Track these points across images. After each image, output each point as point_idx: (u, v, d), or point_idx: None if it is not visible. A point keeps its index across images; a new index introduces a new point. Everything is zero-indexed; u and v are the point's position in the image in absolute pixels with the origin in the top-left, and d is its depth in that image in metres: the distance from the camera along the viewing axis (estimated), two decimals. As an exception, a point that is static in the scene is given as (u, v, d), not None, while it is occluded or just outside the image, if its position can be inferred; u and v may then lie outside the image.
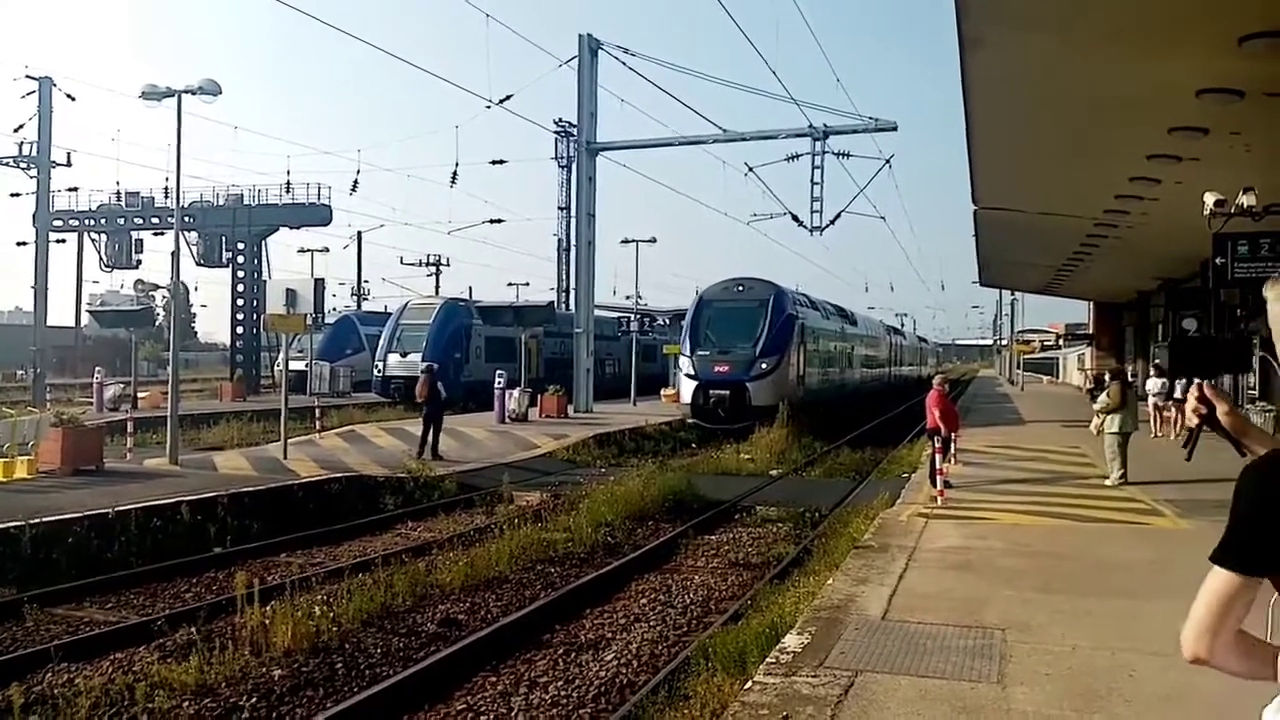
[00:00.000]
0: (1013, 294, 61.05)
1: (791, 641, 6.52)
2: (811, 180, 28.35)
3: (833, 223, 29.20)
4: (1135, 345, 37.67)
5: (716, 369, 26.36)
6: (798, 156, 28.54)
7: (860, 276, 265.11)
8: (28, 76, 33.05)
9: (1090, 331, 46.29)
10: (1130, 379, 18.15)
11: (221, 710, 6.80)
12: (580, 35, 27.93)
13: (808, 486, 17.81)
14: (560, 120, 50.16)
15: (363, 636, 8.47)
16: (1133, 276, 30.19)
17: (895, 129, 27.01)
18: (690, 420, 26.50)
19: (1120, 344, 40.66)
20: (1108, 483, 13.44)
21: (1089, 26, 9.03)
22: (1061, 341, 60.43)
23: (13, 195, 38.44)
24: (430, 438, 18.84)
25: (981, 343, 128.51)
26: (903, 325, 73.77)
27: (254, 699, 7.00)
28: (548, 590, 10.33)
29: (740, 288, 28.37)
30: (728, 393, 25.78)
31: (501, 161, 41.11)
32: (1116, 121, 11.87)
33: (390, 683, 7.30)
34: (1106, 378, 15.54)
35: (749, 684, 5.77)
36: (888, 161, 29.03)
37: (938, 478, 12.55)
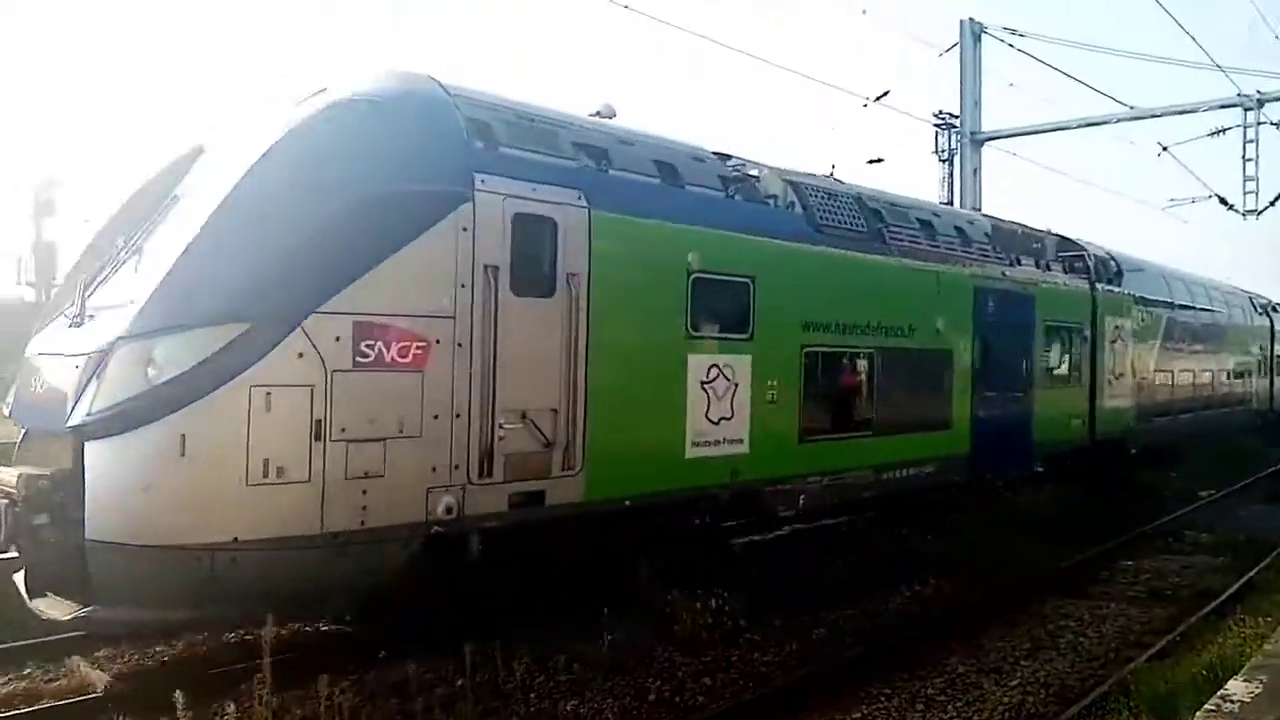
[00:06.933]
0: None
1: (1237, 689, 5.69)
2: (1244, 156, 24.77)
3: (1272, 204, 25.25)
4: None
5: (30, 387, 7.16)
6: (1224, 130, 25.08)
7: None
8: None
9: None
10: None
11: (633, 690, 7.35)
12: (962, 21, 26.99)
13: (1249, 511, 15.56)
14: (940, 112, 48.05)
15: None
16: None
17: (1355, 88, 22.77)
18: None
19: None
20: None
21: None
22: None
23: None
24: None
25: None
26: None
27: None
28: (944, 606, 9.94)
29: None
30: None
31: (879, 160, 40.31)
32: None
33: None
34: None
35: (1186, 733, 5.12)
36: (1345, 127, 24.49)
37: None
